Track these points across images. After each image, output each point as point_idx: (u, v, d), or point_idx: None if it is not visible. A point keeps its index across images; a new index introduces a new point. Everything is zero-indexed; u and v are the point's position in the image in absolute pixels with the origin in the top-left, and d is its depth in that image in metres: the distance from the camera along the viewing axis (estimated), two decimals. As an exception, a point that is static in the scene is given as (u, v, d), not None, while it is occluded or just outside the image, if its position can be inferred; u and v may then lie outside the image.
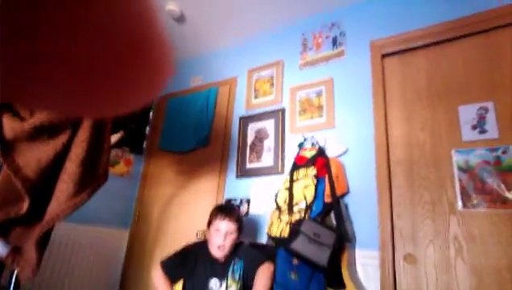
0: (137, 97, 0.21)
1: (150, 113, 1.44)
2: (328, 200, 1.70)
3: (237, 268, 1.56)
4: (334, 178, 1.77)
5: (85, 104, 0.19)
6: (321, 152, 1.89)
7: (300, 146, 2.03)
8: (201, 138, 2.56)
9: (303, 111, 2.22)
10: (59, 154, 0.97)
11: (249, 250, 1.65)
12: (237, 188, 2.30)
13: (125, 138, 1.39)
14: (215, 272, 1.55)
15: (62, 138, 0.98)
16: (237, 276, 1.54)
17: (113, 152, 2.65)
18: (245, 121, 2.44)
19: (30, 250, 0.94)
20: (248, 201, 2.20)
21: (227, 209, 1.66)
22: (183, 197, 2.54)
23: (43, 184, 0.94)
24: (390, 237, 1.63)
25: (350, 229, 1.69)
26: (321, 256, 1.48)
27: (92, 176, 1.03)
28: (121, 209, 2.69)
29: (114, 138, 1.33)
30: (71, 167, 0.97)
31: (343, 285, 1.47)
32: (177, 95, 2.91)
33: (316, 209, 1.67)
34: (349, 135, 2.00)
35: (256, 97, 2.48)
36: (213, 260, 1.58)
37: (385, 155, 1.79)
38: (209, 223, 1.64)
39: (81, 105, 0.19)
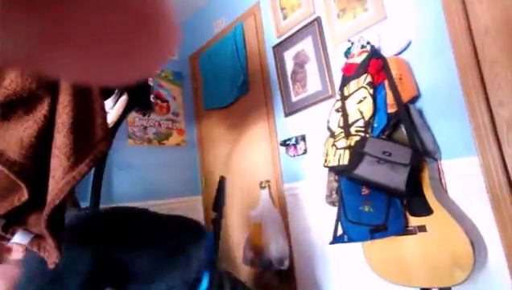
0: (147, 61, 0.20)
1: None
2: (392, 110, 1.33)
3: None
4: (397, 80, 1.37)
5: (92, 70, 0.19)
6: (374, 53, 1.47)
7: (347, 53, 1.63)
8: (239, 85, 2.33)
9: (343, 12, 1.76)
10: (44, 128, 0.84)
11: None
12: (289, 127, 2.04)
13: (131, 99, 1.23)
14: None
15: (41, 110, 0.84)
16: None
17: (164, 125, 2.63)
18: (279, 49, 2.10)
19: (46, 235, 0.88)
20: (303, 138, 1.93)
21: None
22: (240, 151, 2.41)
23: (35, 165, 0.84)
24: (492, 132, 1.20)
25: (429, 139, 1.30)
26: (396, 178, 1.17)
27: (88, 145, 0.89)
28: (189, 177, 2.71)
29: (121, 104, 1.19)
30: (60, 139, 0.84)
31: (428, 210, 1.14)
32: (206, 48, 2.69)
33: (379, 124, 1.33)
34: (408, 21, 1.51)
35: (285, 17, 2.09)
36: None
37: (464, 28, 1.29)
38: None
39: (91, 71, 0.19)
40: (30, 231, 0.90)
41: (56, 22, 0.15)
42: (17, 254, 0.90)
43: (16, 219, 0.88)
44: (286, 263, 1.85)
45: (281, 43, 2.08)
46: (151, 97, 1.31)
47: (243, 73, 2.31)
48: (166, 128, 2.63)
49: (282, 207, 2.03)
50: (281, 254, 1.84)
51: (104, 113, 1.01)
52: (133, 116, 2.37)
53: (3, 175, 0.84)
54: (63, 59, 0.17)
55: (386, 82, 1.38)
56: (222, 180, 1.56)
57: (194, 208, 2.64)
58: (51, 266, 0.90)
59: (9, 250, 0.93)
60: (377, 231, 1.15)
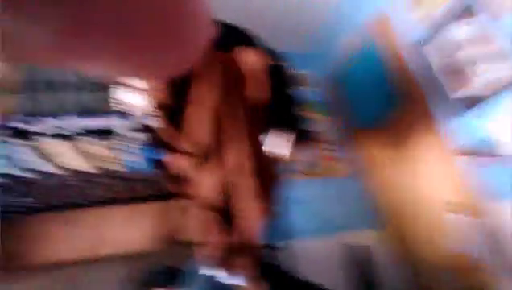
0: (176, 58, 0.20)
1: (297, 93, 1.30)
2: None
3: None
4: None
5: (130, 66, 0.19)
6: None
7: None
8: (388, 99, 2.12)
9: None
10: (229, 173, 0.96)
11: None
12: (469, 130, 1.61)
13: (297, 135, 1.29)
14: None
15: (225, 158, 0.98)
16: None
17: (323, 156, 2.63)
18: (424, 45, 1.78)
19: (254, 278, 0.94)
20: (498, 140, 1.47)
21: None
22: (412, 170, 2.09)
23: (229, 208, 0.95)
24: None
25: None
26: None
27: (269, 185, 0.97)
28: (361, 208, 2.52)
29: (288, 145, 1.25)
30: (245, 183, 0.94)
31: None
32: (342, 71, 2.62)
33: None
34: None
35: (423, 8, 1.78)
36: None
37: None
38: None
39: (127, 67, 0.20)
40: (241, 273, 0.98)
41: (88, 13, 0.15)
42: None
43: (228, 261, 0.98)
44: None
45: (426, 37, 1.77)
46: (309, 128, 1.32)
47: (389, 85, 2.09)
48: (324, 159, 2.62)
49: (492, 234, 1.55)
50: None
51: (274, 155, 1.08)
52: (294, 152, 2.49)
53: (204, 219, 0.98)
54: (95, 51, 0.17)
55: None
56: (365, 251, 1.23)
57: (370, 241, 2.40)
58: None
59: None
60: None
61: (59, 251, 1.63)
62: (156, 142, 1.01)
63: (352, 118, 2.60)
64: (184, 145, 1.01)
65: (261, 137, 1.09)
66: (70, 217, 1.80)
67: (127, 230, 1.78)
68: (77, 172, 1.39)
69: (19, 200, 1.58)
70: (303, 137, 1.25)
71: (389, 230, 2.40)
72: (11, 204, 1.59)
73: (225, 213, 0.97)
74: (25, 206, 1.67)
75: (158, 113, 0.94)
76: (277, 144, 1.21)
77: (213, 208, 0.96)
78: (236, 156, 0.98)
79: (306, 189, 2.45)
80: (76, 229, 1.72)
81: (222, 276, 0.95)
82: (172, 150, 1.03)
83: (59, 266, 1.59)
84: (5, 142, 1.02)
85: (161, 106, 0.94)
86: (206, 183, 0.98)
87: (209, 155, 0.98)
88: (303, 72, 2.94)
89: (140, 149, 1.08)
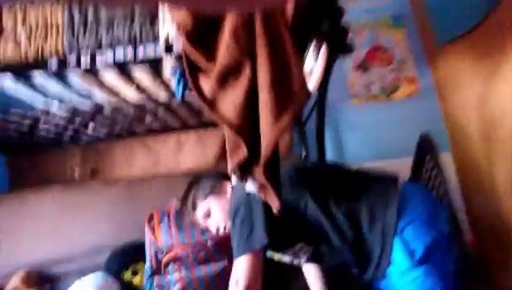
0: None
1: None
2: None
3: None
4: None
5: None
6: None
7: None
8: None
9: None
10: (249, 89, 0.96)
11: None
12: None
13: (332, 48, 1.19)
14: None
15: (245, 74, 0.96)
16: None
17: (390, 76, 2.37)
18: None
19: (267, 185, 1.00)
20: None
21: None
22: (501, 86, 1.75)
23: (249, 124, 0.97)
24: None
25: None
26: None
27: (288, 98, 0.94)
28: (429, 131, 2.28)
29: (322, 55, 1.18)
30: (263, 96, 0.94)
31: None
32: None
33: None
34: None
35: None
36: None
37: None
38: None
39: None
40: (255, 180, 1.06)
41: None
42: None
43: (247, 170, 1.06)
44: None
45: None
46: (350, 38, 1.18)
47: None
48: (392, 79, 2.36)
49: None
50: None
51: (300, 67, 1.01)
52: (353, 76, 2.30)
53: (231, 135, 1.04)
54: None
55: None
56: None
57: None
58: (275, 212, 1.02)
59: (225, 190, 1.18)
60: None
61: (130, 169, 1.96)
62: (184, 68, 1.03)
63: (434, 29, 2.20)
64: (208, 67, 1.00)
65: (296, 54, 1.02)
66: (146, 142, 2.09)
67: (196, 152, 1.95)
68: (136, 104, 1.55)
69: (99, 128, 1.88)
70: (343, 48, 1.13)
71: (455, 154, 2.20)
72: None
73: (243, 130, 0.98)
74: (110, 132, 2.00)
75: (183, 39, 0.95)
76: (312, 60, 1.13)
77: (233, 125, 0.98)
78: (254, 72, 0.96)
79: (366, 113, 2.28)
80: (150, 152, 2.00)
81: (249, 186, 1.04)
82: (198, 74, 1.03)
83: (131, 181, 1.92)
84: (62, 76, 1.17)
85: (186, 31, 0.95)
86: (227, 103, 0.99)
87: (228, 75, 0.97)
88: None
89: (175, 77, 1.13)
